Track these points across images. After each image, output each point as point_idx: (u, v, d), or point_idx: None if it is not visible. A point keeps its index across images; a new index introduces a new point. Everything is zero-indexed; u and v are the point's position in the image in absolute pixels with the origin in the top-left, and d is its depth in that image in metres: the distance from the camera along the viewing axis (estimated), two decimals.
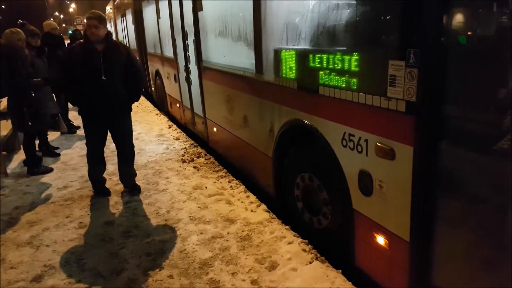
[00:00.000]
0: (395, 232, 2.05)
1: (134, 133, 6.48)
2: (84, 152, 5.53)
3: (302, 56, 2.66)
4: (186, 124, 6.57)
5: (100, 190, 4.08)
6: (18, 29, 4.62)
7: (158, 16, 7.04)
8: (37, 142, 5.19)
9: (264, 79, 3.27)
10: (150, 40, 8.49)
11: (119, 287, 2.57)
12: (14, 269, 2.82)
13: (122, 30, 12.79)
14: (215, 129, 4.91)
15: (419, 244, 1.92)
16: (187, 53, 5.55)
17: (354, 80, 2.17)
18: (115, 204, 3.81)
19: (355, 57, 2.14)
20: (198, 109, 5.57)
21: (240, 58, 3.75)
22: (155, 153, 5.41)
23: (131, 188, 4.11)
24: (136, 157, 5.21)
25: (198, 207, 3.66)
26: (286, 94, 2.96)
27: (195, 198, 3.86)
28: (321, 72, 2.46)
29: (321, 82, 2.46)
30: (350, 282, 2.44)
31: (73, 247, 3.08)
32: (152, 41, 8.13)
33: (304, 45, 2.69)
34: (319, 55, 2.45)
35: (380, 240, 2.17)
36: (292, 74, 2.82)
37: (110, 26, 17.77)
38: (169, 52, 6.61)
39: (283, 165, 3.27)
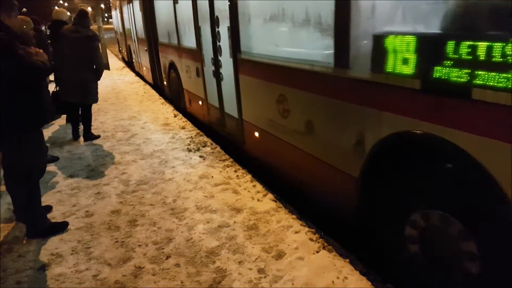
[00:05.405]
0: None
1: (139, 122, 6.58)
2: (89, 142, 5.62)
3: (434, 44, 1.93)
4: (210, 124, 5.72)
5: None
6: (28, 18, 4.62)
7: (176, 1, 6.21)
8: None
9: (350, 75, 2.50)
10: (162, 29, 7.58)
11: (126, 275, 2.57)
12: (22, 257, 2.83)
13: (129, 18, 12.13)
14: (256, 134, 4.12)
15: None
16: (217, 43, 4.73)
17: None
18: (122, 193, 3.81)
19: None
20: (230, 108, 4.76)
21: (306, 47, 3.06)
22: (161, 142, 5.40)
23: None
24: (142, 146, 5.24)
25: (205, 196, 3.65)
26: (395, 96, 2.20)
27: (201, 187, 3.84)
28: (474, 68, 1.74)
29: (475, 81, 1.74)
30: (358, 272, 2.43)
31: (80, 235, 3.09)
32: (166, 30, 7.25)
33: (432, 28, 1.97)
34: (469, 43, 1.74)
35: None
36: (408, 70, 2.07)
37: (115, 14, 17.47)
38: (189, 42, 5.81)
39: (375, 189, 2.55)
